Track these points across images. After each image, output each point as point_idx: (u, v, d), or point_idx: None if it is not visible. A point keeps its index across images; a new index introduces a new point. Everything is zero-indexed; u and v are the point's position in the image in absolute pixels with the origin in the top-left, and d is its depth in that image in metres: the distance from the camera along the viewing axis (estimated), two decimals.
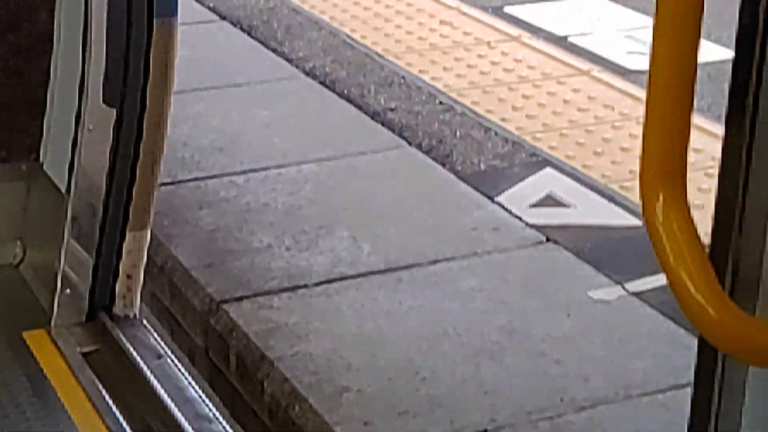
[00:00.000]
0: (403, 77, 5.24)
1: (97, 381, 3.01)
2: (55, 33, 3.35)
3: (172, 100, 3.04)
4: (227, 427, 2.89)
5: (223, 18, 5.93)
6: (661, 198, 1.18)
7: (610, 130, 4.78)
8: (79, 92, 3.10)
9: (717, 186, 1.32)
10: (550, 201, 4.20)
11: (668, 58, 1.21)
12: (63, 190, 3.24)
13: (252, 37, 5.69)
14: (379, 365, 3.26)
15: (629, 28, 6.29)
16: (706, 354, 1.38)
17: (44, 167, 3.44)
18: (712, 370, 1.38)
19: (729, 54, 1.32)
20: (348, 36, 5.72)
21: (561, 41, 6.00)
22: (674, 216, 1.18)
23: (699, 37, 1.23)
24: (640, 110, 4.91)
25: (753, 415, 1.34)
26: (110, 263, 3.17)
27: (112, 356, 3.13)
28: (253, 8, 6.07)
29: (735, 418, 1.36)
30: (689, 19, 1.20)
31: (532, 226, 4.01)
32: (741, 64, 1.27)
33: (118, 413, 2.91)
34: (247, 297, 3.57)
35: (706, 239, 1.38)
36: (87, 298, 3.21)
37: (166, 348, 3.15)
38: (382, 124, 4.76)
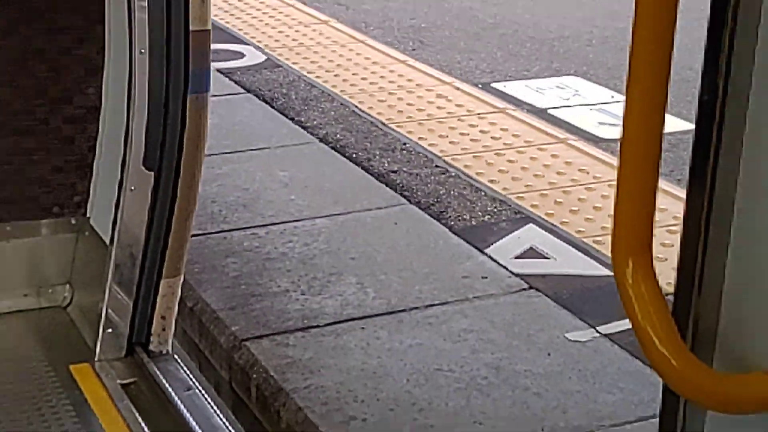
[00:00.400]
0: (404, 143, 5.25)
1: (134, 409, 2.99)
2: (102, 106, 3.37)
3: (203, 163, 3.05)
4: None
5: (249, 91, 5.95)
6: (630, 264, 1.18)
7: (585, 192, 4.78)
8: (122, 157, 3.10)
9: (679, 252, 1.32)
10: (532, 253, 4.20)
11: (637, 140, 1.21)
12: (107, 241, 3.24)
13: (273, 107, 5.72)
14: (382, 396, 3.24)
15: (600, 102, 6.32)
16: (670, 398, 1.37)
17: (91, 221, 3.44)
18: (675, 411, 1.37)
19: (688, 125, 1.32)
20: (356, 107, 5.74)
21: (541, 113, 6.02)
22: (642, 280, 1.18)
23: (664, 119, 1.23)
24: (611, 174, 4.93)
25: None
26: (147, 305, 3.16)
27: (147, 387, 3.11)
28: (274, 83, 6.09)
29: None
30: (656, 101, 1.20)
31: (516, 275, 4.00)
32: (701, 135, 1.27)
33: None
34: (267, 335, 3.56)
35: (669, 287, 1.37)
36: (126, 336, 3.20)
37: (195, 380, 3.13)
38: (386, 185, 4.76)
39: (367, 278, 3.94)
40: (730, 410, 1.27)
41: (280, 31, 7.13)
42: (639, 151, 1.21)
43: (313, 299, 3.78)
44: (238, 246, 4.19)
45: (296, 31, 7.14)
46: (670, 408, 1.37)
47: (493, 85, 6.55)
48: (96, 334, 3.20)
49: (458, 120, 5.61)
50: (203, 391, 3.09)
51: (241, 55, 6.56)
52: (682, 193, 1.36)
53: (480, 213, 4.51)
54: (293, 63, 6.46)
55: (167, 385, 3.07)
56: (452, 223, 4.41)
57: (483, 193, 4.69)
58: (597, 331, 3.63)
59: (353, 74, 6.30)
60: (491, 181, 4.85)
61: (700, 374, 1.20)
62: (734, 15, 1.21)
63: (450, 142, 5.30)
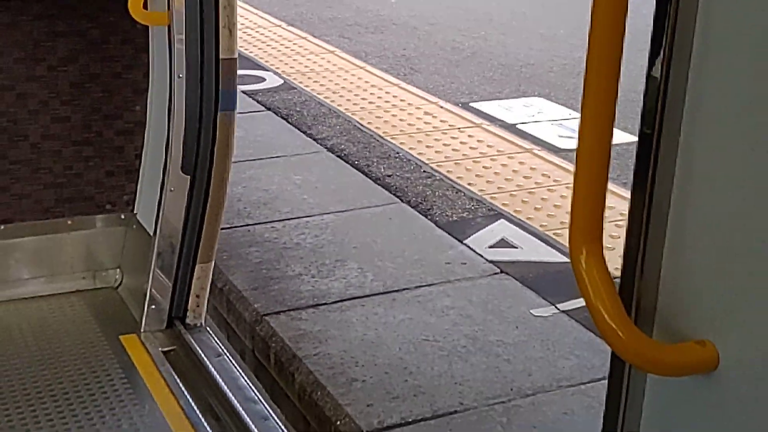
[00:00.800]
0: (398, 152, 5.25)
1: (173, 372, 2.99)
2: (146, 121, 3.36)
3: (231, 168, 3.05)
4: (268, 408, 2.86)
5: (269, 109, 5.95)
6: (584, 252, 1.18)
7: (547, 192, 4.78)
8: (163, 163, 3.10)
9: (624, 240, 1.32)
10: (503, 243, 4.20)
11: (590, 149, 1.21)
12: (151, 232, 3.23)
13: (289, 123, 5.71)
14: (379, 362, 3.24)
15: (560, 119, 6.31)
16: (617, 363, 1.37)
17: (137, 216, 3.44)
18: (621, 375, 1.37)
19: (632, 138, 1.32)
20: (358, 122, 5.73)
21: (511, 127, 6.02)
22: (594, 265, 1.17)
23: (612, 132, 1.23)
24: (568, 178, 4.93)
25: (651, 408, 1.33)
26: (184, 286, 3.16)
27: (184, 354, 3.11)
28: (290, 102, 6.09)
29: (638, 410, 1.35)
30: (606, 118, 1.20)
31: (490, 261, 4.00)
32: (643, 149, 1.26)
33: (188, 396, 2.89)
34: (283, 311, 3.56)
35: (616, 272, 1.37)
36: (167, 311, 3.19)
37: (224, 348, 3.13)
38: (382, 186, 4.76)
39: (366, 264, 3.94)
40: (666, 374, 1.27)
41: (294, 59, 7.12)
42: (592, 159, 1.21)
43: (321, 281, 3.78)
44: (260, 237, 4.18)
45: (308, 59, 7.13)
46: (617, 372, 1.37)
47: (471, 104, 6.55)
48: (141, 310, 3.20)
49: (442, 133, 5.61)
50: (231, 358, 3.09)
51: (263, 80, 6.55)
52: (628, 194, 1.36)
53: (460, 210, 4.51)
54: (305, 86, 6.45)
55: (201, 353, 3.06)
56: (437, 218, 4.41)
57: (462, 194, 4.69)
58: (556, 308, 3.63)
59: (355, 95, 6.29)
60: (469, 184, 4.84)
61: (641, 344, 1.20)
62: (670, 46, 1.21)
63: (435, 152, 5.29)
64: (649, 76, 1.25)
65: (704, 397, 1.22)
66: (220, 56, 2.85)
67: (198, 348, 3.08)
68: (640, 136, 1.27)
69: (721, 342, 1.19)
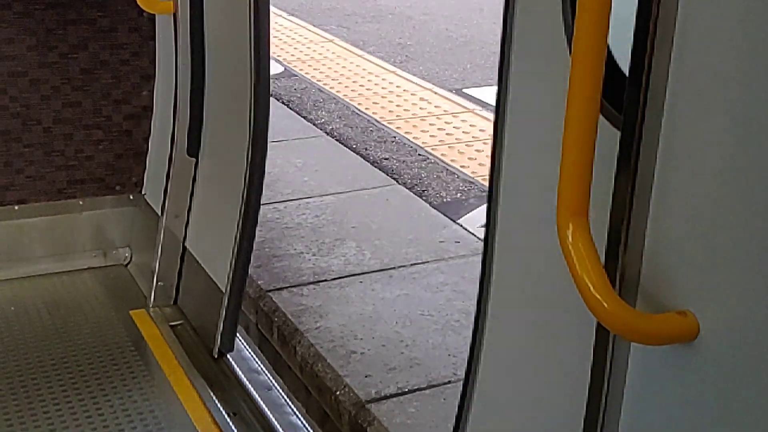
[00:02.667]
0: (394, 136, 5.24)
1: (179, 344, 3.00)
2: (154, 105, 3.36)
3: None
4: (271, 378, 2.88)
5: (271, 95, 5.92)
6: (571, 227, 1.18)
7: None
8: (170, 146, 3.10)
9: (609, 215, 1.32)
10: None
11: (576, 129, 1.21)
12: (159, 212, 3.23)
13: (290, 108, 5.69)
14: (376, 335, 3.24)
15: None
16: (602, 333, 1.38)
17: (146, 197, 3.44)
18: (606, 343, 1.38)
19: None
20: (356, 108, 5.72)
21: None
22: (580, 239, 1.18)
23: (598, 112, 1.23)
24: None
25: (634, 375, 1.34)
26: None
27: (191, 328, 3.11)
28: (291, 89, 6.07)
29: (621, 377, 1.36)
30: (591, 98, 1.20)
31: (482, 240, 3.99)
32: (627, 128, 1.27)
33: (195, 367, 2.89)
34: (285, 288, 3.56)
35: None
36: (174, 288, 3.20)
37: None
38: (379, 169, 4.75)
39: (364, 243, 3.94)
40: (649, 342, 1.28)
41: (295, 48, 7.10)
42: (578, 142, 1.21)
43: (321, 259, 3.78)
44: (263, 217, 4.17)
45: (308, 48, 7.10)
46: (601, 341, 1.38)
47: (464, 90, 6.53)
48: (150, 286, 3.21)
49: (436, 118, 5.60)
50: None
51: None
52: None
53: (454, 191, 4.50)
54: (306, 73, 6.43)
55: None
56: (432, 199, 4.41)
57: (456, 176, 4.69)
58: None
59: (353, 82, 6.27)
60: (462, 167, 4.84)
61: (625, 314, 1.21)
62: (653, 40, 1.21)
63: (430, 135, 5.29)
64: (632, 68, 1.25)
65: (685, 365, 1.23)
66: None
67: None
68: (625, 113, 1.27)
69: (701, 312, 1.20)
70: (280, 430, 2.60)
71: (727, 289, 1.16)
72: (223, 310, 2.84)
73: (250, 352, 2.97)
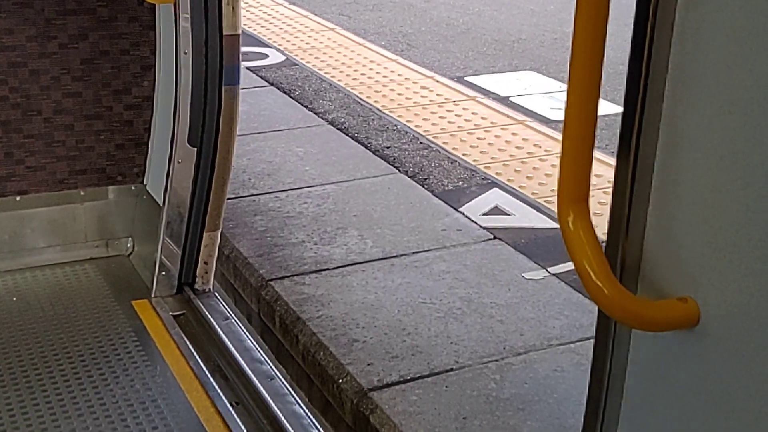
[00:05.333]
0: (395, 125, 5.23)
1: (183, 335, 3.00)
2: (154, 95, 3.35)
3: (236, 140, 3.04)
4: (273, 368, 2.88)
5: (272, 84, 5.92)
6: (572, 214, 1.18)
7: (538, 162, 4.77)
8: (171, 136, 3.09)
9: (610, 203, 1.32)
10: (496, 211, 4.20)
11: (577, 115, 1.21)
12: (160, 203, 3.23)
13: (291, 97, 5.69)
14: (378, 324, 3.25)
15: (551, 91, 6.29)
16: (603, 320, 1.38)
17: (147, 187, 3.43)
18: (607, 331, 1.37)
19: (619, 109, 1.32)
20: (357, 96, 5.71)
21: (504, 100, 6.00)
22: (580, 226, 1.17)
23: (598, 98, 1.23)
24: (559, 148, 4.91)
25: (635, 362, 1.34)
26: (193, 253, 3.16)
27: (193, 318, 3.12)
28: (292, 78, 6.06)
29: (623, 364, 1.36)
30: (592, 84, 1.20)
31: (484, 227, 4.00)
32: (628, 116, 1.26)
33: (197, 357, 2.90)
34: (287, 277, 3.57)
35: (604, 236, 1.37)
36: (176, 278, 3.20)
37: (231, 312, 3.14)
38: (381, 158, 4.75)
39: (366, 231, 3.94)
40: (650, 329, 1.28)
41: (296, 37, 7.08)
42: (579, 124, 1.21)
43: (323, 248, 3.79)
44: (264, 207, 4.18)
45: (309, 37, 7.09)
46: (603, 328, 1.38)
47: (466, 78, 6.52)
48: (152, 276, 3.21)
49: (438, 106, 5.59)
50: (238, 321, 3.10)
51: (266, 56, 6.52)
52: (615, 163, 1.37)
53: (455, 179, 4.50)
54: (307, 62, 6.42)
55: (209, 316, 3.07)
56: (433, 187, 4.41)
57: (458, 164, 4.68)
58: (547, 271, 3.64)
59: (354, 70, 6.26)
60: (464, 155, 4.84)
61: (626, 301, 1.20)
62: (653, 27, 1.21)
63: (432, 124, 5.28)
64: (632, 54, 1.24)
65: (686, 351, 1.23)
66: (224, 33, 2.84)
67: (206, 312, 3.09)
68: (625, 101, 1.27)
69: (701, 298, 1.19)
70: (283, 419, 2.61)
71: (728, 276, 1.15)
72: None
73: (252, 342, 2.98)
